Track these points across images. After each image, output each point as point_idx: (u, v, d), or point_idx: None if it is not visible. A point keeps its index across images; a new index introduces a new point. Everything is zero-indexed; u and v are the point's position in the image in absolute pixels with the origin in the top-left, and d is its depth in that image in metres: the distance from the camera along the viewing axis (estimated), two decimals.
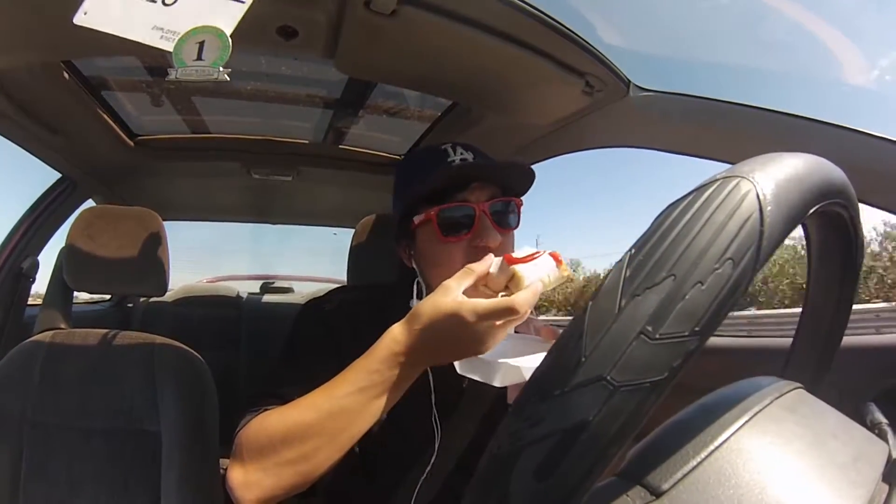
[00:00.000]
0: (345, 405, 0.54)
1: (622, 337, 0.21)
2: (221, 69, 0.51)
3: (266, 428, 0.57)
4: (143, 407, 0.94)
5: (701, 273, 0.21)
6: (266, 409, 0.60)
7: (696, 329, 0.21)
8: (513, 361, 0.55)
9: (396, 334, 0.55)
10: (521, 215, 0.74)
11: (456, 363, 0.57)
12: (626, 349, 0.21)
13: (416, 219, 0.70)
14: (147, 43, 0.50)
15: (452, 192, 0.68)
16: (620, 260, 0.23)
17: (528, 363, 0.55)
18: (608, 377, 0.20)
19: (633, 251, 0.23)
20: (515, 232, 0.73)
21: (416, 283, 0.73)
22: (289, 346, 0.71)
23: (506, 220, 0.70)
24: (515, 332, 0.66)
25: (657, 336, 0.21)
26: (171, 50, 0.50)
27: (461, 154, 0.72)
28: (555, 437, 0.21)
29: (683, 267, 0.21)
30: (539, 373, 0.23)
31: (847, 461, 0.27)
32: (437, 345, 0.54)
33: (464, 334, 0.53)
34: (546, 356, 0.23)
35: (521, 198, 0.74)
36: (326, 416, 0.54)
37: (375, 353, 0.55)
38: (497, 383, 0.56)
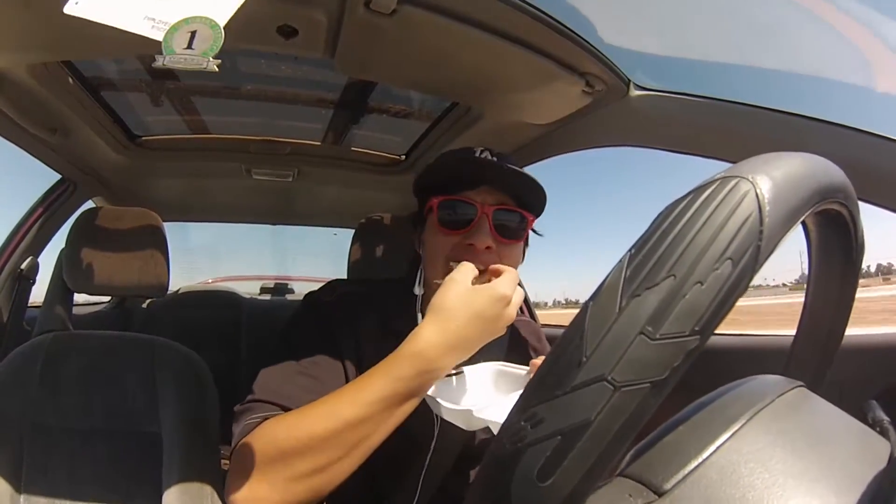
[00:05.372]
0: (369, 413, 0.51)
1: (623, 337, 0.21)
2: (212, 59, 0.50)
3: (276, 439, 0.52)
4: (144, 408, 0.94)
5: (701, 273, 0.21)
6: (267, 416, 0.56)
7: (697, 328, 0.21)
8: (486, 415, 0.54)
9: (424, 333, 0.54)
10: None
11: (443, 412, 0.57)
12: (626, 349, 0.21)
13: (426, 206, 0.71)
14: (138, 32, 0.49)
15: (461, 188, 0.68)
16: (620, 260, 0.23)
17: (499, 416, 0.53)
18: (609, 377, 0.20)
19: (632, 251, 0.23)
20: None
21: (419, 270, 0.74)
22: (285, 340, 0.68)
23: (509, 229, 0.69)
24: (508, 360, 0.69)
25: (657, 336, 0.21)
26: (161, 39, 0.49)
27: (487, 156, 0.70)
28: (556, 437, 0.21)
29: (683, 267, 0.22)
30: (540, 373, 0.23)
31: (848, 459, 0.27)
32: (464, 326, 0.54)
33: (481, 300, 0.55)
34: (547, 356, 0.23)
35: (536, 218, 0.73)
36: (346, 425, 0.50)
37: (401, 358, 0.53)
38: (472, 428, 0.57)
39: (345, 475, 0.51)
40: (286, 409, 0.57)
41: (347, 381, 0.65)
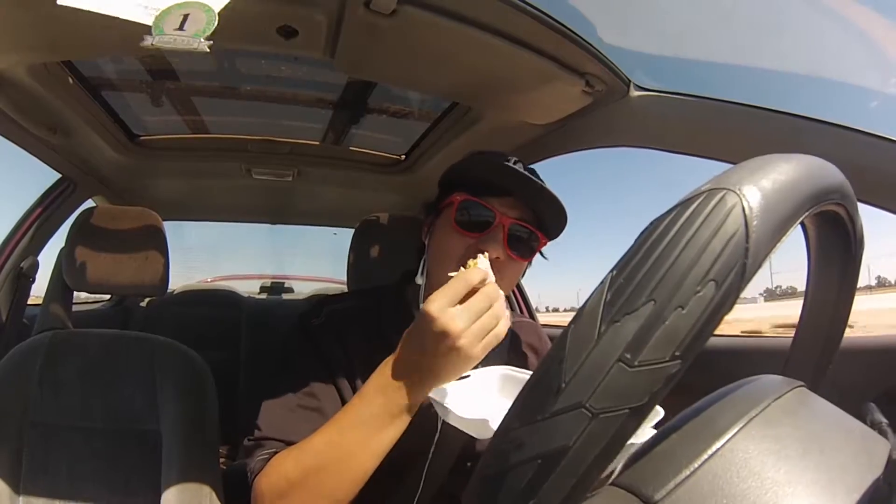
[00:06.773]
0: (349, 440, 0.55)
1: (601, 364, 0.21)
2: (203, 40, 0.49)
3: (286, 473, 0.57)
4: (144, 406, 0.94)
5: (682, 297, 0.21)
6: (276, 451, 0.61)
7: (677, 354, 0.21)
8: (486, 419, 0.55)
9: (387, 359, 0.56)
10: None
11: (451, 419, 0.56)
12: (604, 377, 0.21)
13: (445, 198, 0.71)
14: (129, 18, 0.48)
15: (487, 193, 0.68)
16: (602, 281, 0.23)
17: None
18: (587, 405, 0.21)
19: (614, 273, 0.23)
20: None
21: (423, 260, 0.73)
22: (283, 368, 0.71)
23: (522, 246, 0.68)
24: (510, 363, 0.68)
25: (636, 363, 0.21)
26: (151, 24, 0.49)
27: (520, 168, 0.69)
28: (536, 461, 0.21)
29: (664, 291, 0.21)
30: (522, 396, 0.23)
31: (847, 461, 0.27)
32: (422, 356, 0.52)
33: (442, 334, 0.50)
34: (529, 378, 0.24)
35: (549, 241, 0.72)
36: (335, 453, 0.55)
37: (370, 382, 0.56)
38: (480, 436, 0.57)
39: (353, 494, 0.56)
40: (291, 444, 0.61)
41: (344, 401, 0.67)
